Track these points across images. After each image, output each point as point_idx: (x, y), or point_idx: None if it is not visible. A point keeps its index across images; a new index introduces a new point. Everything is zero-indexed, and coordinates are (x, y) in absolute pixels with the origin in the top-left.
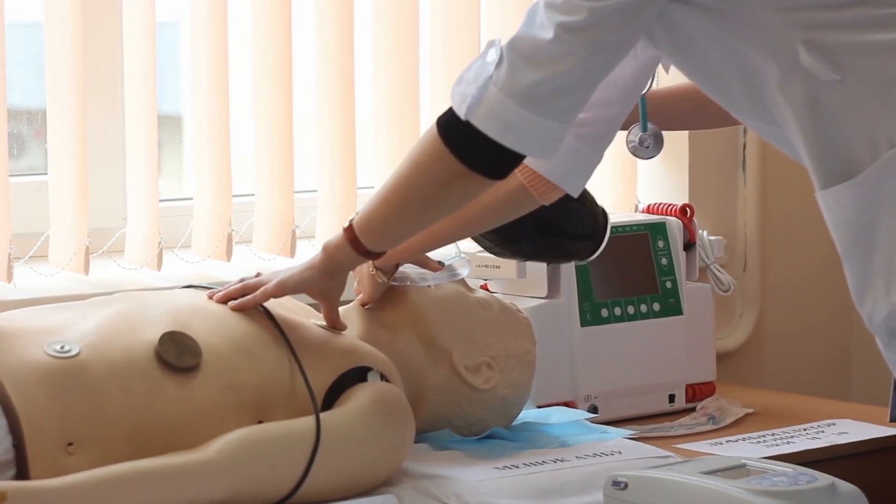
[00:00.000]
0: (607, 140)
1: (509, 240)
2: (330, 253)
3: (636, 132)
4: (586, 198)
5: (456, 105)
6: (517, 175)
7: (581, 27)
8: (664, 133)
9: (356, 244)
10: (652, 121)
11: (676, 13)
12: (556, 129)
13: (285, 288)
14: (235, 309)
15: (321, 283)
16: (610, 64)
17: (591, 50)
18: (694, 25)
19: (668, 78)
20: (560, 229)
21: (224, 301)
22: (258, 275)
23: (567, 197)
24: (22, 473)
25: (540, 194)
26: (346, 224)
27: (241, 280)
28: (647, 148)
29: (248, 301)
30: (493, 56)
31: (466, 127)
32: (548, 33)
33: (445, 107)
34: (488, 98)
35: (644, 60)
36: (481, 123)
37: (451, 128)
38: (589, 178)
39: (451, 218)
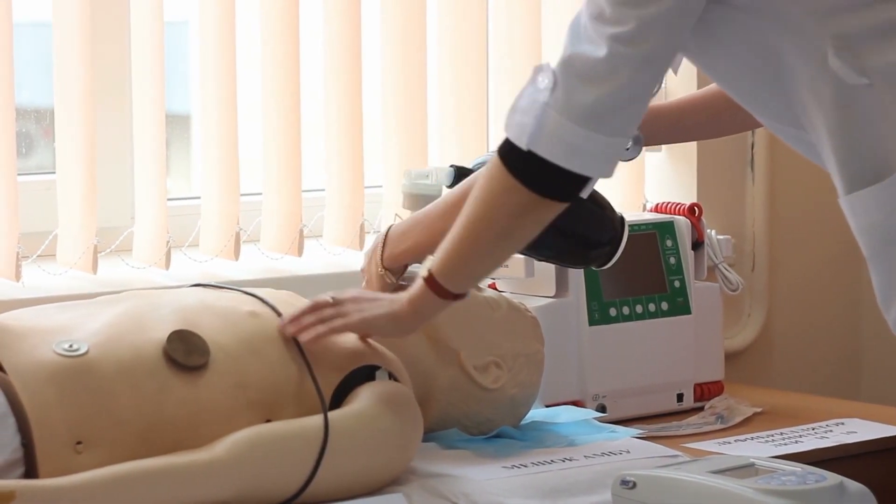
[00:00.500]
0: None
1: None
2: (416, 307)
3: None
4: (603, 203)
5: (514, 136)
6: None
7: (631, 37)
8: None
9: (441, 291)
10: (665, 134)
11: (712, 13)
12: (618, 145)
13: (370, 331)
14: (314, 340)
15: (406, 333)
16: (663, 70)
17: (644, 60)
18: (728, 26)
19: (676, 81)
20: (579, 235)
21: (297, 327)
22: (333, 298)
23: (584, 201)
24: (30, 472)
25: None
26: (425, 274)
27: (315, 303)
28: (627, 150)
29: (326, 331)
30: (545, 81)
31: (530, 156)
32: (601, 49)
33: (452, 105)
34: (548, 123)
35: None
36: (545, 151)
37: (515, 159)
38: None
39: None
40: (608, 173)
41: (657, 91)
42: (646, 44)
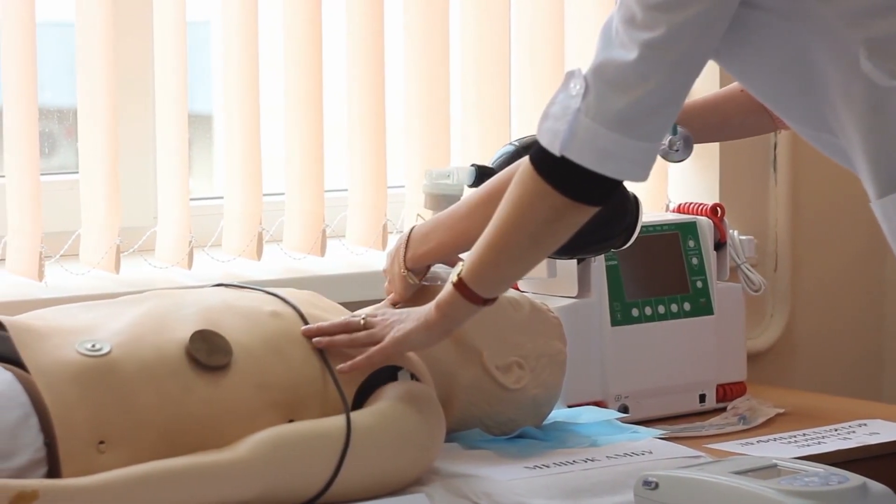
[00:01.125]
0: None
1: None
2: (444, 311)
3: (666, 136)
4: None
5: (546, 142)
6: None
7: (663, 42)
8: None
9: (471, 296)
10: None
11: (744, 17)
12: (650, 150)
13: (403, 349)
14: (346, 371)
15: (438, 340)
16: (694, 75)
17: (675, 65)
18: (761, 29)
19: (698, 81)
20: (595, 221)
21: (326, 341)
22: (364, 319)
23: None
24: (53, 472)
25: None
26: (454, 279)
27: (346, 324)
28: (677, 151)
29: (362, 362)
30: (577, 87)
31: (562, 161)
32: (631, 53)
33: (474, 105)
34: (580, 129)
35: None
36: (577, 156)
37: (548, 165)
38: None
39: (482, 218)
40: (642, 177)
41: None
42: (677, 49)
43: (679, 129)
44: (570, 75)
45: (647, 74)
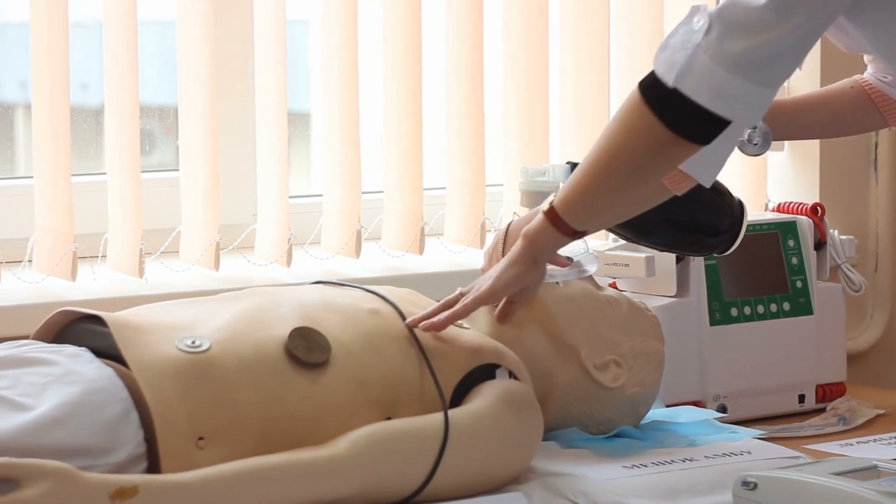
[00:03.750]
0: (741, 131)
1: (645, 233)
2: (532, 239)
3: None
4: (722, 190)
5: (661, 72)
6: None
7: None
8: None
9: (560, 225)
10: (784, 130)
11: None
12: (766, 96)
13: (497, 289)
14: (444, 323)
15: (528, 275)
16: (822, 29)
17: (805, 16)
18: None
19: (798, 77)
20: (697, 223)
21: (430, 321)
22: (460, 291)
23: (703, 189)
24: (153, 467)
25: (672, 184)
26: (546, 208)
27: (444, 301)
28: (756, 145)
29: (459, 311)
30: (700, 22)
31: (673, 94)
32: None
33: (573, 103)
34: (697, 65)
35: None
36: (691, 91)
37: (657, 95)
38: (721, 168)
39: None
40: (753, 121)
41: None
42: (809, 1)
43: (760, 123)
44: (695, 10)
45: (774, 21)
